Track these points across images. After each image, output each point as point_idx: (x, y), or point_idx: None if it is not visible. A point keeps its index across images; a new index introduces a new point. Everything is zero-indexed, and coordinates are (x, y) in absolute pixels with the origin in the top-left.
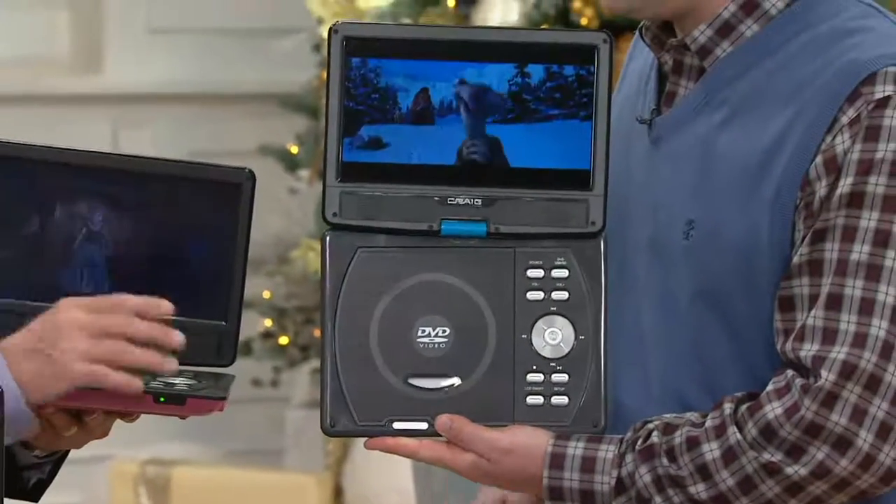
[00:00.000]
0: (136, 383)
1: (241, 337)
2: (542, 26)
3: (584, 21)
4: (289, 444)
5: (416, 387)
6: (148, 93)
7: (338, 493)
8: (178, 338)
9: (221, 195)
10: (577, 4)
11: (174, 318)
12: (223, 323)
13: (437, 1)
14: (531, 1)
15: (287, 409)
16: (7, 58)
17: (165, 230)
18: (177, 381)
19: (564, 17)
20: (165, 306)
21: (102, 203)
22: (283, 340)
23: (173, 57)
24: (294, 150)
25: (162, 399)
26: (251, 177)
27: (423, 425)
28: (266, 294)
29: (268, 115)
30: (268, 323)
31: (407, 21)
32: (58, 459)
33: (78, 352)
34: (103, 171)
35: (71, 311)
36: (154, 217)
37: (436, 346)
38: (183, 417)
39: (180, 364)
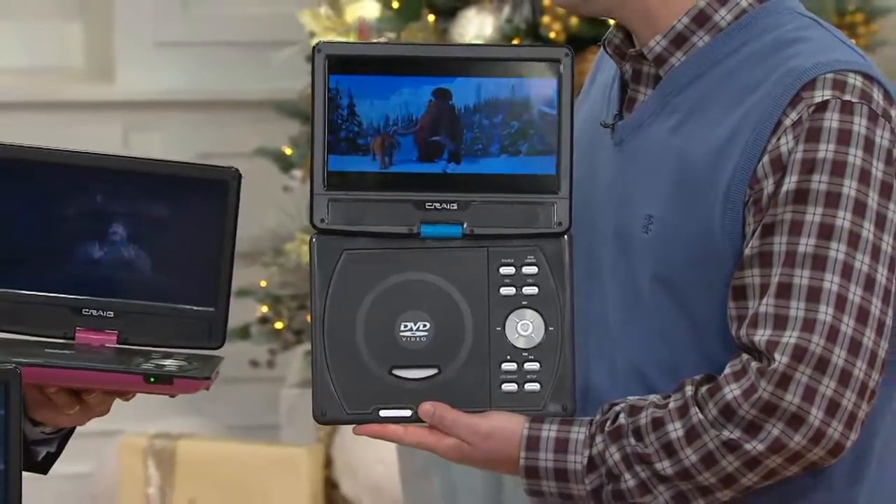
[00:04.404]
0: None
1: (241, 322)
2: (514, 39)
3: (552, 35)
4: (283, 419)
5: (400, 377)
6: (156, 100)
7: (328, 464)
8: None
9: (211, 192)
10: (546, 20)
11: (168, 305)
12: (212, 309)
13: (419, 16)
14: (504, 16)
15: (282, 388)
16: (25, 67)
17: (160, 224)
18: (168, 362)
19: (534, 31)
20: None
21: (101, 200)
22: (279, 325)
23: (179, 67)
24: (288, 151)
25: (152, 380)
26: (237, 175)
27: (408, 412)
28: (262, 283)
29: (265, 120)
30: (264, 309)
31: (390, 34)
32: (65, 435)
33: None
34: (104, 171)
35: None
36: (150, 212)
37: (417, 339)
38: (172, 396)
39: (174, 347)
